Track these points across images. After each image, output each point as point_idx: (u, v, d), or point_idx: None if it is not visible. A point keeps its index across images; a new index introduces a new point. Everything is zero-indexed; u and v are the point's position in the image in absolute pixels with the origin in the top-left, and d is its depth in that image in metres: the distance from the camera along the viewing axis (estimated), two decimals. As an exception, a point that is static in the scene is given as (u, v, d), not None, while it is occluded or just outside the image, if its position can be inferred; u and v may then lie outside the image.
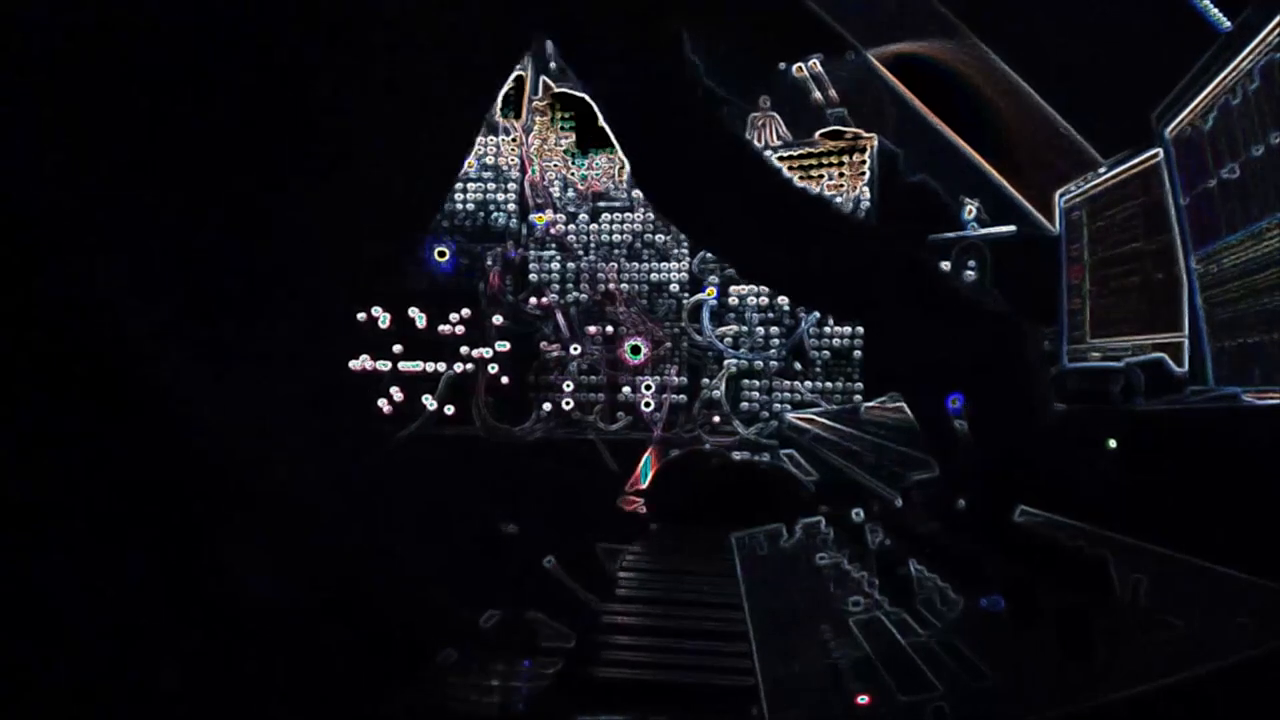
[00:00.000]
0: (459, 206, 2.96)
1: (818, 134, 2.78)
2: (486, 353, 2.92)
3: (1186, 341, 1.45)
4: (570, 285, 2.94)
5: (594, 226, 2.92)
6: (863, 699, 0.65)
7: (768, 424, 2.81)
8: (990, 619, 0.71)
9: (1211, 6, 1.39)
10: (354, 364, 2.82)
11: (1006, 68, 2.25)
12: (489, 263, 2.92)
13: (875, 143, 2.72)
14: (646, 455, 2.70)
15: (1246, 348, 1.22)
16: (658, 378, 2.88)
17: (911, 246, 1.92)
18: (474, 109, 1.16)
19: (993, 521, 0.94)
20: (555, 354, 2.92)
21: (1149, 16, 1.57)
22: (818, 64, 2.77)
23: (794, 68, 2.80)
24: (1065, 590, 0.69)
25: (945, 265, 2.47)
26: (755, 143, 2.78)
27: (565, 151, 2.94)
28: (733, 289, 2.85)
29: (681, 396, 2.88)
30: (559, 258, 2.95)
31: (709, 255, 2.82)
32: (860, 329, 2.73)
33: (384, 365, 2.90)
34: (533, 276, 2.96)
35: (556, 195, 2.94)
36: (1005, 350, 1.03)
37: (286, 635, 0.82)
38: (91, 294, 0.78)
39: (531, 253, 2.96)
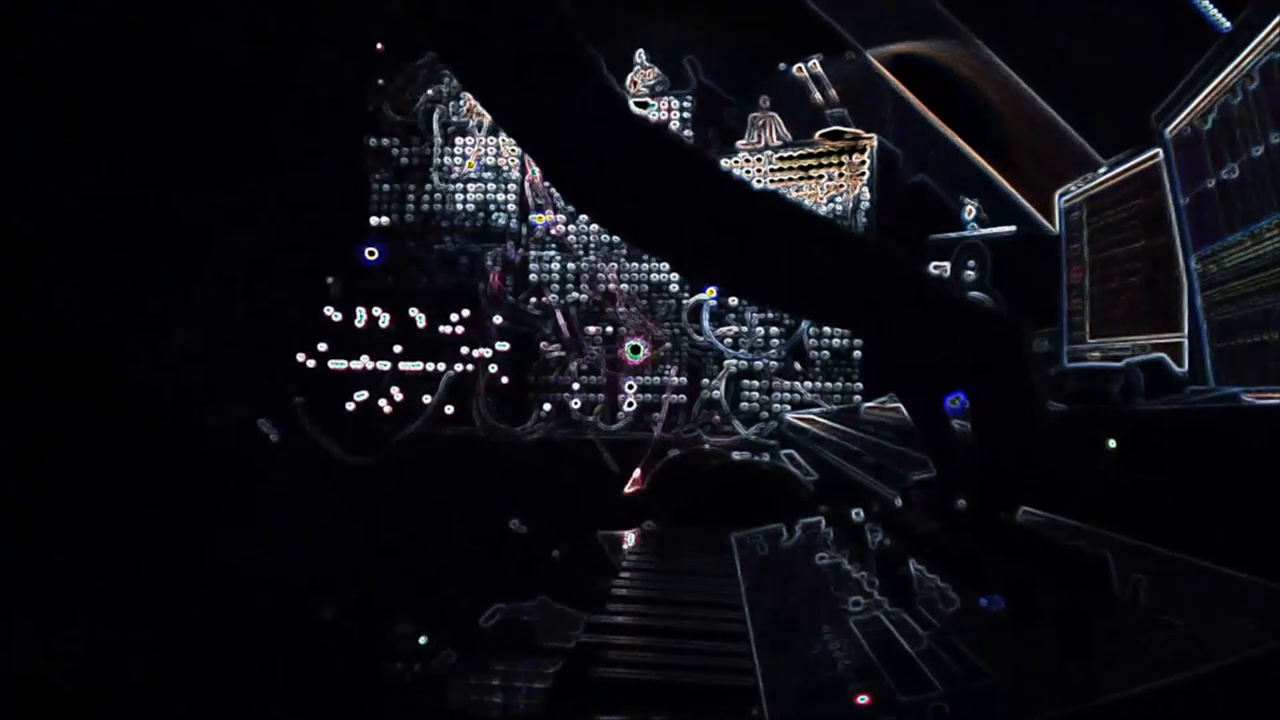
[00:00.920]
0: (459, 207, 2.97)
1: (818, 134, 2.78)
2: (486, 353, 2.92)
3: (1186, 341, 1.45)
4: (570, 285, 2.94)
5: (594, 227, 2.92)
6: (863, 699, 0.65)
7: (768, 424, 2.81)
8: (990, 619, 0.71)
9: (1211, 6, 1.39)
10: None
11: (1007, 68, 2.25)
12: (489, 263, 2.93)
13: (875, 143, 2.73)
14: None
15: (1246, 348, 1.22)
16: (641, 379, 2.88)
17: (875, 242, 1.83)
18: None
19: (993, 521, 0.94)
20: (555, 354, 2.92)
21: (1149, 16, 1.57)
22: (818, 64, 2.77)
23: (794, 68, 2.80)
24: (1065, 590, 0.69)
25: (945, 266, 2.47)
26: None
27: (565, 152, 2.93)
28: (733, 289, 2.85)
29: (681, 397, 2.88)
30: (559, 258, 2.95)
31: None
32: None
33: (384, 365, 2.90)
34: (533, 276, 2.96)
35: (556, 196, 2.94)
36: (1000, 350, 1.02)
37: (286, 635, 0.82)
38: (91, 294, 0.78)
39: (531, 253, 2.96)
